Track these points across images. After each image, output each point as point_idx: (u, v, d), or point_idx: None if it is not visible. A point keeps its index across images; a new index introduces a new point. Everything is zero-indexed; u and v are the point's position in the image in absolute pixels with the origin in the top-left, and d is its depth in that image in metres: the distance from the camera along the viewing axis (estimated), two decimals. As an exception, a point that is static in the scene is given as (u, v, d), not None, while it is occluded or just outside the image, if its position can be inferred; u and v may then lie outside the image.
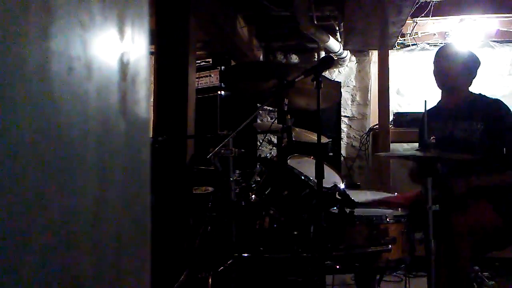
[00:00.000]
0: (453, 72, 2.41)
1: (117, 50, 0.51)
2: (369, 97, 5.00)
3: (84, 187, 0.46)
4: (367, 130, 4.85)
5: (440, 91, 2.52)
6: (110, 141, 0.50)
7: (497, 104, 2.35)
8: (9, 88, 0.36)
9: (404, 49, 4.78)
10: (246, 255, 1.98)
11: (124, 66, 0.52)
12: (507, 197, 2.22)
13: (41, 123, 0.40)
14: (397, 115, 4.37)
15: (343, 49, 4.63)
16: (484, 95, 2.43)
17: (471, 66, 2.43)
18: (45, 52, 0.40)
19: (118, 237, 0.52)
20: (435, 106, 2.55)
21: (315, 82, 1.86)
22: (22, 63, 0.38)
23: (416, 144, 2.82)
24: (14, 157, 0.37)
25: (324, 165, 1.83)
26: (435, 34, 4.59)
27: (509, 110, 2.33)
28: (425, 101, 2.48)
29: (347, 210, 1.96)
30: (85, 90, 0.45)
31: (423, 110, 2.37)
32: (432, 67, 2.51)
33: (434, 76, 2.48)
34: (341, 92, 4.79)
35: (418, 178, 2.47)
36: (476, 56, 2.47)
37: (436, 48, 2.67)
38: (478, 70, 2.45)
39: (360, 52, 5.05)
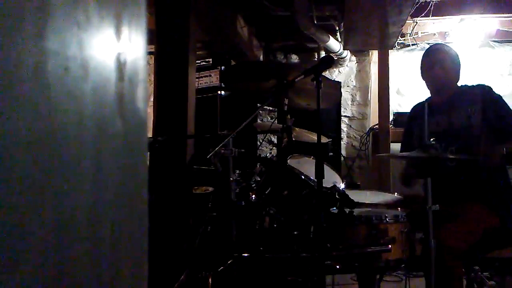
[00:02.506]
0: (445, 71, 2.49)
1: (114, 50, 0.51)
2: (369, 97, 5.00)
3: (81, 187, 0.46)
4: (367, 130, 4.85)
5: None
6: (107, 141, 0.50)
7: (482, 87, 2.47)
8: (4, 88, 0.36)
9: (404, 49, 4.78)
10: (246, 255, 1.98)
11: (121, 66, 0.51)
12: (500, 196, 2.23)
13: (36, 124, 0.39)
14: (397, 115, 4.37)
15: (343, 49, 4.63)
16: (466, 84, 2.54)
17: (457, 62, 2.53)
18: (41, 52, 0.40)
19: (115, 238, 0.52)
20: (423, 104, 2.55)
21: (315, 82, 1.86)
22: (18, 63, 0.37)
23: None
24: (9, 158, 0.37)
25: (324, 165, 1.83)
26: (435, 34, 4.59)
27: (491, 89, 2.46)
28: (426, 102, 2.48)
29: (347, 210, 1.96)
30: (82, 91, 0.45)
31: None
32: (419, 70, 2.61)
33: (425, 77, 2.57)
34: (341, 92, 4.79)
35: (408, 182, 2.54)
36: (455, 52, 2.58)
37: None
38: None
39: (360, 52, 5.05)
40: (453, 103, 2.46)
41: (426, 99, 2.60)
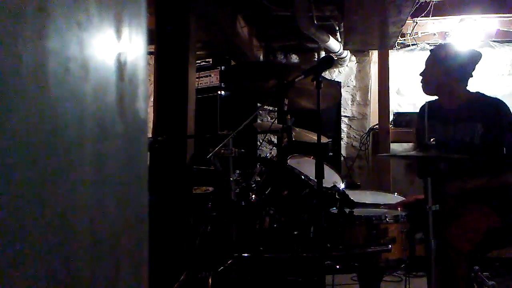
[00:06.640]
0: (444, 77, 2.35)
1: (114, 50, 0.51)
2: (369, 97, 5.00)
3: (81, 188, 0.46)
4: (367, 130, 4.85)
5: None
6: (107, 141, 0.50)
7: (496, 104, 2.30)
8: (5, 88, 0.36)
9: (404, 49, 4.78)
10: (246, 255, 1.98)
11: (121, 66, 0.51)
12: (502, 196, 2.22)
13: (37, 124, 0.39)
14: (397, 115, 4.37)
15: (343, 49, 4.63)
16: (483, 94, 2.37)
17: (465, 66, 2.35)
18: (42, 52, 0.40)
19: (115, 238, 0.52)
20: (436, 102, 2.48)
21: (315, 82, 1.86)
22: (18, 64, 0.37)
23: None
24: (10, 158, 0.37)
25: (324, 165, 1.82)
26: (435, 34, 4.58)
27: (509, 109, 2.27)
28: (426, 102, 2.47)
29: (347, 210, 1.95)
30: (82, 91, 0.45)
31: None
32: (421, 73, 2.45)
33: (424, 83, 2.43)
34: (341, 92, 4.79)
35: (414, 173, 2.46)
36: (470, 53, 2.40)
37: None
38: (477, 66, 2.36)
39: (360, 52, 5.05)
40: (461, 113, 2.32)
41: (438, 99, 2.48)
